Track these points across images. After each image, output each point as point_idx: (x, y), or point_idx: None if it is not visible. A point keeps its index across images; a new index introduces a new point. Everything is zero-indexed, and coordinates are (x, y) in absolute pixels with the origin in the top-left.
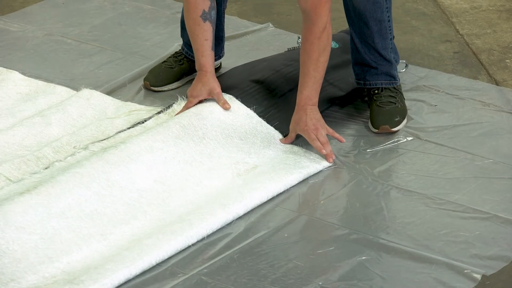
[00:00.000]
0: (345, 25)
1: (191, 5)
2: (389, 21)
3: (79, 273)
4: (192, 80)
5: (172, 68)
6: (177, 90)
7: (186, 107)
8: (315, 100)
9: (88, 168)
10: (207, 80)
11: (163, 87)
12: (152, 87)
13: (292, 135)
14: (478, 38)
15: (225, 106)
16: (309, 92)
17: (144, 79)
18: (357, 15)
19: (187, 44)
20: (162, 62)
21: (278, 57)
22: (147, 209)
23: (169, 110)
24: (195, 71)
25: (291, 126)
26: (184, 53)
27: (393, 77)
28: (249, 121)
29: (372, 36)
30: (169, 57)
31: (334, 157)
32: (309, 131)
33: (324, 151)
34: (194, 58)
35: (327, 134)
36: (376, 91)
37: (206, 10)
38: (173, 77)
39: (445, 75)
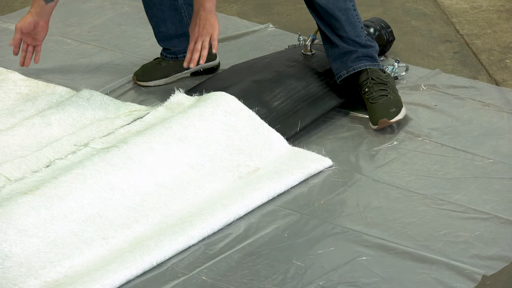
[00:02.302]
0: None
1: None
2: (354, 9)
3: (80, 276)
4: (182, 78)
5: (160, 64)
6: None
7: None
8: (207, 5)
9: (91, 170)
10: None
11: (149, 82)
12: (137, 82)
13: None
14: (478, 38)
15: None
16: None
17: (134, 74)
18: (322, 9)
19: (164, 50)
20: (155, 59)
21: (280, 56)
22: (149, 213)
23: (166, 103)
24: (184, 69)
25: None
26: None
27: (374, 59)
28: (251, 123)
29: (342, 26)
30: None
31: (192, 65)
32: (191, 38)
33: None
34: (166, 57)
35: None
36: (366, 89)
37: None
38: (160, 73)
39: (445, 75)
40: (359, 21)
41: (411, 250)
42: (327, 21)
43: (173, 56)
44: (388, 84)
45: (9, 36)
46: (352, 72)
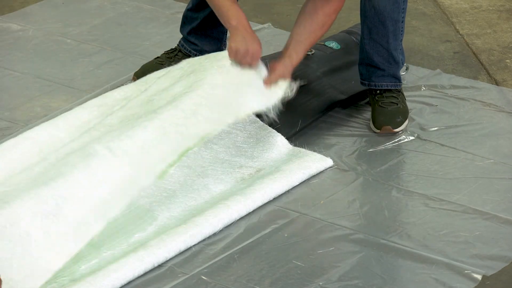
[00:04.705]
0: (345, 25)
1: None
2: (402, 22)
3: (82, 276)
4: None
5: (162, 64)
6: None
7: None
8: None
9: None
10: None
11: None
12: None
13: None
14: (478, 38)
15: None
16: (299, 57)
17: (134, 74)
18: (375, 13)
19: (185, 39)
20: (155, 58)
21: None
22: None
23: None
24: None
25: (280, 69)
26: (180, 47)
27: (398, 79)
28: (252, 124)
29: (387, 36)
30: (163, 53)
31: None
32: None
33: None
34: (190, 52)
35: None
36: (378, 92)
37: None
38: None
39: (445, 75)
40: (401, 33)
41: (411, 250)
42: (373, 25)
43: (197, 53)
44: (399, 92)
45: (9, 36)
46: (373, 88)
